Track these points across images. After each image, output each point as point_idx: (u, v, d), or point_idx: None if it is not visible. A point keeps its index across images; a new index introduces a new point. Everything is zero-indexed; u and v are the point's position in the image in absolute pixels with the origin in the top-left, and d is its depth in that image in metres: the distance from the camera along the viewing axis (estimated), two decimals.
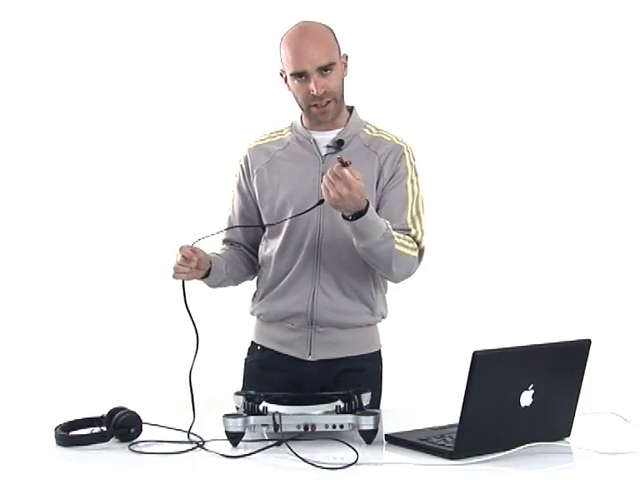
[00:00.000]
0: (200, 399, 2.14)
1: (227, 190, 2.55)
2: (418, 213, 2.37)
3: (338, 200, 2.09)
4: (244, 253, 2.51)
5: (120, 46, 3.76)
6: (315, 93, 2.28)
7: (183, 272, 2.23)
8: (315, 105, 2.31)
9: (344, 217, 2.17)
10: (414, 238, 2.34)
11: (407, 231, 2.33)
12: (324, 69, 2.27)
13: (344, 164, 2.07)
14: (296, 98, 2.35)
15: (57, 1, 3.75)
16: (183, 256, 2.22)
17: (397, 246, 2.24)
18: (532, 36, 3.81)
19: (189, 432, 2.03)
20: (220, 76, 3.77)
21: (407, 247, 2.29)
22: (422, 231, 2.36)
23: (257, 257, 2.50)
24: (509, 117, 3.82)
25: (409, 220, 2.35)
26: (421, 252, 2.36)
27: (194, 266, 2.24)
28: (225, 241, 2.53)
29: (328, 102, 2.31)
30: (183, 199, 3.75)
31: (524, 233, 3.81)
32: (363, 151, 2.37)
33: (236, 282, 2.50)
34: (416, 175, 2.40)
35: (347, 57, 2.36)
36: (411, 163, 2.39)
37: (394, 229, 2.27)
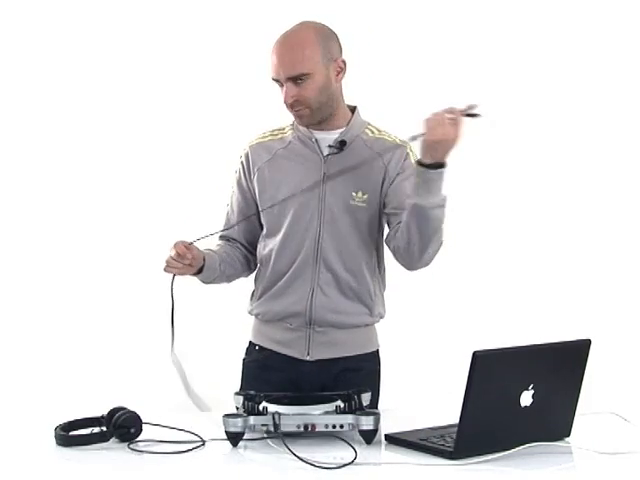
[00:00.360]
0: (199, 399, 2.14)
1: (226, 187, 2.54)
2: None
3: (442, 141, 2.09)
4: (240, 250, 2.51)
5: (119, 46, 3.76)
6: (284, 101, 2.30)
7: (175, 267, 2.25)
8: (292, 110, 2.33)
9: (419, 164, 2.15)
10: None
11: None
12: (295, 79, 2.27)
13: (467, 112, 2.03)
14: None
15: (57, 1, 3.75)
16: (177, 252, 2.22)
17: (443, 224, 2.24)
18: (533, 36, 3.81)
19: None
20: (220, 74, 3.76)
21: (442, 226, 2.26)
22: None
23: (253, 255, 2.50)
24: (510, 117, 3.82)
25: None
26: None
27: (187, 263, 2.25)
28: (222, 237, 2.53)
29: (302, 109, 2.31)
30: (182, 197, 3.74)
31: (524, 233, 3.80)
32: (366, 152, 2.37)
33: (229, 280, 2.50)
34: None
35: (345, 62, 2.34)
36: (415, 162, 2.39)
37: None
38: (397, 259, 2.34)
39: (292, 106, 2.30)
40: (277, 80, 2.31)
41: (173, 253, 2.24)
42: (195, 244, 2.28)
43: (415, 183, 2.19)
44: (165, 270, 2.27)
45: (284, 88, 2.29)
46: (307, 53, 2.27)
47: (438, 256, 2.44)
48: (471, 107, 2.05)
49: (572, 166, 3.82)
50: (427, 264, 2.32)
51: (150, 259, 3.71)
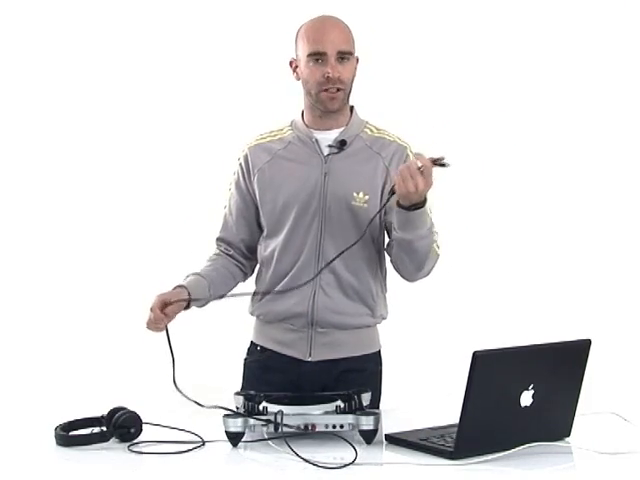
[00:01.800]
0: (200, 399, 2.14)
1: (223, 188, 2.53)
2: (430, 212, 2.37)
3: (413, 193, 2.09)
4: (234, 258, 2.48)
5: (119, 46, 3.76)
6: (331, 75, 2.27)
7: (155, 327, 2.26)
8: (326, 90, 2.29)
9: (399, 205, 2.16)
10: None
11: None
12: (342, 56, 2.28)
13: (436, 162, 2.07)
14: (306, 84, 2.33)
15: (57, 1, 3.75)
16: (153, 318, 2.23)
17: (434, 244, 2.27)
18: (533, 35, 3.81)
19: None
20: (219, 75, 3.76)
21: (437, 246, 2.30)
22: (436, 232, 2.36)
23: (249, 259, 2.48)
24: (511, 118, 3.82)
25: None
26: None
27: (162, 328, 2.26)
28: (219, 240, 2.50)
29: (338, 90, 2.30)
30: (182, 198, 3.75)
31: (524, 233, 3.81)
32: (366, 152, 2.37)
33: (221, 298, 2.46)
34: None
35: (358, 60, 2.36)
36: None
37: None
38: (396, 271, 2.37)
39: (331, 83, 2.28)
40: (320, 54, 2.27)
41: (151, 315, 2.24)
42: (175, 293, 2.29)
43: (397, 220, 2.20)
44: (148, 328, 2.27)
45: (325, 65, 2.26)
46: (350, 35, 2.33)
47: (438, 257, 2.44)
48: (441, 157, 2.09)
49: (572, 167, 3.82)
50: (426, 275, 2.35)
51: (150, 259, 3.74)
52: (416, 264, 2.28)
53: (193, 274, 2.38)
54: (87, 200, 3.77)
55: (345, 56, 2.28)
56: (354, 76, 2.35)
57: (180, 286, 2.32)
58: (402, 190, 2.09)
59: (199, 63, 3.77)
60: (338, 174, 2.34)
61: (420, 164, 2.07)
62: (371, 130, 2.41)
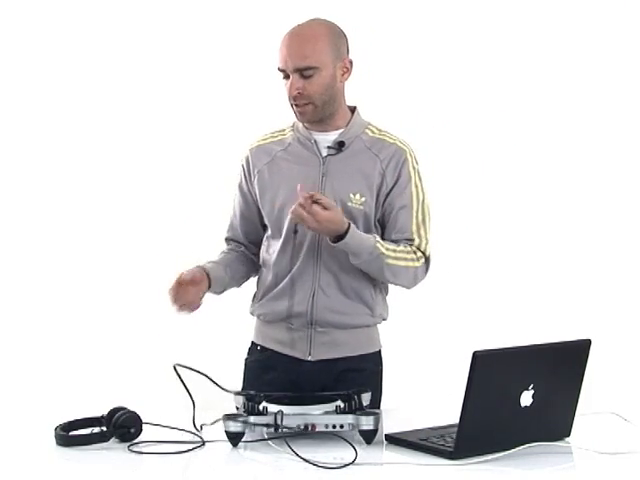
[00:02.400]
0: (200, 399, 2.14)
1: (226, 190, 2.55)
2: (423, 220, 2.39)
3: (317, 229, 2.22)
4: (244, 253, 2.52)
5: (120, 47, 3.75)
6: (288, 93, 2.29)
7: (181, 307, 2.31)
8: (295, 104, 2.31)
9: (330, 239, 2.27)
10: (418, 247, 2.37)
11: (411, 241, 2.36)
12: (303, 71, 2.26)
13: (313, 200, 2.17)
14: None
15: (57, 1, 3.75)
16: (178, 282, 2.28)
17: (390, 260, 2.31)
18: (534, 37, 3.80)
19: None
20: (221, 77, 3.76)
21: (405, 259, 2.34)
22: (427, 239, 2.39)
23: (257, 256, 2.50)
24: (511, 119, 3.82)
25: (414, 229, 2.37)
26: (427, 260, 2.39)
27: (191, 304, 2.32)
28: (227, 239, 2.55)
29: (305, 104, 2.30)
30: (183, 199, 3.74)
31: (524, 234, 3.80)
32: (365, 153, 2.37)
33: (239, 283, 2.52)
34: (420, 179, 2.40)
35: (351, 62, 2.34)
36: (414, 167, 2.40)
37: (398, 240, 2.34)
38: None
39: (295, 99, 2.29)
40: (283, 71, 2.29)
41: (172, 292, 2.30)
42: (197, 269, 2.35)
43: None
44: (179, 310, 2.33)
45: (289, 80, 2.28)
46: (318, 47, 2.27)
47: (438, 257, 2.45)
48: (316, 196, 2.20)
49: (572, 167, 3.82)
50: (413, 285, 2.41)
51: (150, 260, 3.73)
52: (380, 279, 2.39)
53: (207, 262, 2.42)
54: (88, 201, 3.77)
55: (306, 72, 2.26)
56: (337, 83, 2.32)
57: (198, 266, 2.37)
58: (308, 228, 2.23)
59: (202, 66, 3.76)
60: (336, 175, 2.34)
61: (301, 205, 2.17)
62: (372, 131, 2.41)
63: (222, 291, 2.45)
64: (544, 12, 3.80)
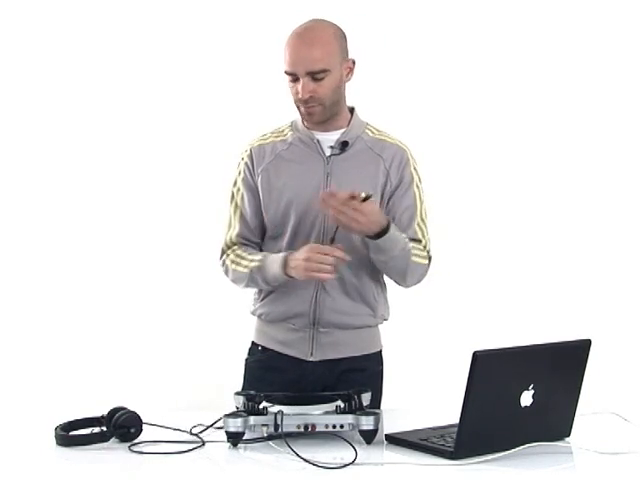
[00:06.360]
0: (200, 399, 2.14)
1: (223, 190, 2.53)
2: (423, 219, 2.41)
3: (365, 225, 2.17)
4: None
5: (119, 45, 3.75)
6: (300, 97, 2.28)
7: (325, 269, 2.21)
8: (303, 106, 2.31)
9: (367, 235, 2.23)
10: (424, 247, 2.39)
11: (418, 241, 2.37)
12: (315, 75, 2.26)
13: (365, 198, 2.15)
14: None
15: (57, 1, 3.75)
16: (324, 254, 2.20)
17: (414, 257, 2.32)
18: (533, 35, 3.80)
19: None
20: (220, 76, 3.76)
21: (420, 256, 2.35)
22: (429, 238, 2.42)
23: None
24: (511, 120, 3.82)
25: (417, 229, 2.39)
26: (429, 259, 2.41)
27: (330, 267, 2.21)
28: (238, 236, 2.43)
29: (315, 106, 2.30)
30: (183, 199, 3.74)
31: (524, 234, 3.80)
32: (367, 153, 2.38)
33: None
34: (420, 180, 2.42)
35: (354, 62, 2.35)
36: (415, 168, 2.42)
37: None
38: None
39: (306, 102, 2.29)
40: (292, 74, 2.28)
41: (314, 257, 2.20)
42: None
43: (369, 246, 2.27)
44: (317, 275, 2.21)
45: (299, 83, 2.27)
46: (328, 49, 2.27)
47: (438, 257, 2.45)
48: (368, 196, 2.18)
49: (572, 166, 3.82)
50: (417, 283, 2.41)
51: (150, 260, 3.73)
52: (397, 277, 2.38)
53: (261, 255, 2.36)
54: (88, 201, 3.77)
55: (317, 75, 2.26)
56: (342, 84, 2.34)
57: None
58: (348, 230, 2.20)
59: (201, 65, 3.76)
60: (340, 175, 2.35)
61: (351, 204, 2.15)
62: (372, 132, 2.42)
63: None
64: (544, 12, 3.80)
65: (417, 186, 2.40)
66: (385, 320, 2.47)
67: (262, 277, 2.34)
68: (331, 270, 2.20)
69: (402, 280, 2.37)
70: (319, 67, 2.25)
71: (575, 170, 3.82)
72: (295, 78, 2.28)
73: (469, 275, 3.77)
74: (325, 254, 2.20)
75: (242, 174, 2.44)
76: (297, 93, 2.28)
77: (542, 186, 3.82)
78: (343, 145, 2.36)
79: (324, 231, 2.34)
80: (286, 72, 2.29)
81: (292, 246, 2.35)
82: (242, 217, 2.44)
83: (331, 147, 2.37)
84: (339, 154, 2.36)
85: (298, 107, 2.33)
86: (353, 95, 2.43)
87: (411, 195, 2.38)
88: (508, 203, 3.81)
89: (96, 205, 3.76)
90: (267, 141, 2.44)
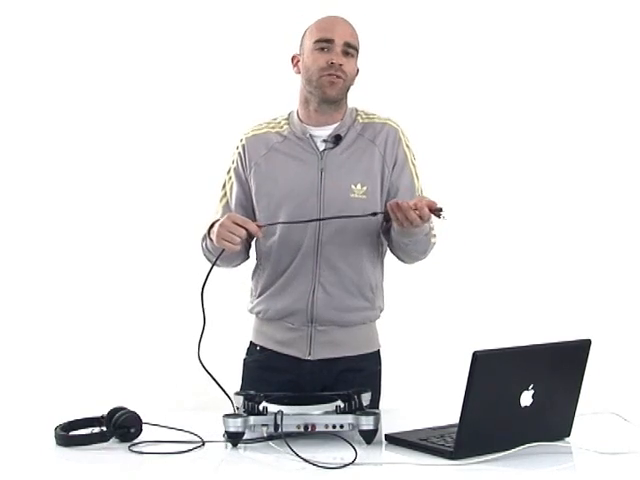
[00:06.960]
0: (200, 399, 2.14)
1: (220, 178, 2.52)
2: (422, 194, 2.41)
3: (409, 226, 2.17)
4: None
5: (116, 46, 3.76)
6: (335, 61, 2.30)
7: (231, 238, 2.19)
8: (328, 74, 2.31)
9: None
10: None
11: None
12: (348, 49, 2.31)
13: (434, 211, 2.13)
14: (307, 71, 2.34)
15: (57, 1, 3.75)
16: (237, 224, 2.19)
17: (432, 238, 2.34)
18: (533, 35, 3.80)
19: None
20: (216, 71, 3.76)
21: (433, 235, 2.37)
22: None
23: (249, 245, 2.47)
24: (510, 118, 3.82)
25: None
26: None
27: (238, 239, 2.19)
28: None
29: (340, 76, 2.32)
30: (180, 197, 3.74)
31: (524, 233, 3.80)
32: (360, 141, 2.38)
33: (236, 263, 2.47)
34: (414, 157, 2.43)
35: (358, 71, 2.39)
36: (407, 145, 2.42)
37: None
38: (393, 254, 2.44)
39: (335, 70, 2.30)
40: (327, 40, 2.31)
41: (228, 224, 2.19)
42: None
43: (397, 229, 2.25)
44: (224, 243, 2.20)
45: (330, 52, 2.30)
46: (356, 35, 2.37)
47: (438, 257, 2.45)
48: (440, 209, 2.15)
49: (572, 166, 3.82)
50: (423, 259, 2.42)
51: (150, 260, 3.73)
52: (413, 258, 2.40)
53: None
54: (86, 199, 3.77)
55: (350, 50, 2.32)
56: (354, 77, 2.37)
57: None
58: (402, 224, 2.17)
59: (198, 62, 3.76)
60: (335, 169, 2.35)
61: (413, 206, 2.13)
62: (361, 117, 2.43)
63: (227, 263, 2.40)
64: (544, 12, 3.80)
65: (412, 163, 2.41)
66: (382, 310, 2.46)
67: (209, 245, 2.36)
68: (236, 242, 2.19)
69: (413, 260, 2.41)
70: (354, 41, 2.34)
71: (575, 170, 3.82)
72: (325, 47, 2.31)
73: (469, 275, 3.77)
74: (238, 225, 2.19)
75: (234, 164, 2.45)
76: (327, 61, 2.30)
77: (542, 186, 3.82)
78: (336, 139, 2.36)
79: (319, 227, 2.33)
80: (319, 40, 2.31)
81: (285, 241, 2.35)
82: (227, 205, 2.45)
83: (325, 141, 2.37)
84: (333, 148, 2.36)
85: (320, 78, 2.32)
86: (353, 95, 2.44)
87: (407, 173, 2.39)
88: (508, 203, 3.81)
89: (97, 205, 3.76)
90: (261, 131, 2.44)
